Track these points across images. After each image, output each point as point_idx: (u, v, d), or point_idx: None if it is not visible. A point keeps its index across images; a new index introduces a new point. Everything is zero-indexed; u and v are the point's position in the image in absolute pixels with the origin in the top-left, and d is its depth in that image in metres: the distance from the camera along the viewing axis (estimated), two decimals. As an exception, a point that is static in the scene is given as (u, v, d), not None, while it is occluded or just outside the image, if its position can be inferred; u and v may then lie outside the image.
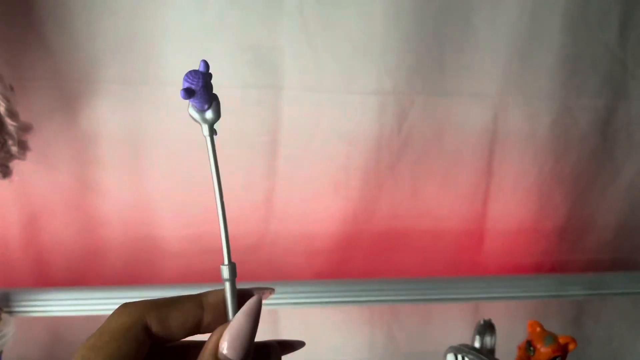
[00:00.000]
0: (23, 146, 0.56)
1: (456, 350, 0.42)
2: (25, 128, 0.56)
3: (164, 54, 0.66)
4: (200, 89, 0.26)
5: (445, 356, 0.44)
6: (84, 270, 0.72)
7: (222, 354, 0.24)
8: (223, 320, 0.26)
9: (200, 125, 0.28)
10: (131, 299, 0.25)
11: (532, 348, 0.47)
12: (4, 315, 0.56)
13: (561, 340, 0.47)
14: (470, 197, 0.76)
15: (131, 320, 0.24)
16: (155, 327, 0.25)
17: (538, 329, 0.48)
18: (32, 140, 0.61)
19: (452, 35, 0.69)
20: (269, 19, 0.67)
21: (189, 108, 0.28)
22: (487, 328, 0.45)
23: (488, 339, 0.44)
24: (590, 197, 0.78)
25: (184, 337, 0.26)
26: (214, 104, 0.27)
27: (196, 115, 0.28)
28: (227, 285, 0.27)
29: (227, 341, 0.24)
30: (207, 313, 0.26)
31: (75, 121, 0.67)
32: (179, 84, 0.68)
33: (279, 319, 0.77)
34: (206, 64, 0.27)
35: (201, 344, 0.26)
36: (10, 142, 0.54)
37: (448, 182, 0.75)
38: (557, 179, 0.76)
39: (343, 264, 0.77)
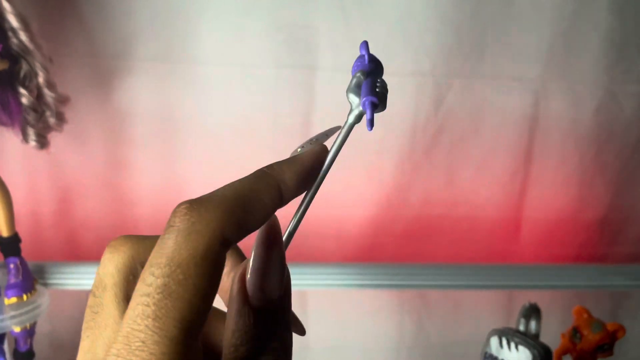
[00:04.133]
0: (60, 117, 0.56)
1: (500, 333, 0.40)
2: (62, 100, 0.56)
3: (199, 32, 0.66)
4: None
5: (488, 339, 0.43)
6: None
7: (253, 296, 0.19)
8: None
9: (353, 108, 0.21)
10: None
11: (578, 335, 0.45)
12: (38, 287, 0.56)
13: (609, 328, 0.45)
14: (508, 184, 0.74)
15: (207, 242, 0.17)
16: (234, 237, 0.18)
17: (585, 316, 0.46)
18: (66, 115, 0.61)
19: (493, 16, 0.67)
20: (304, -3, 0.65)
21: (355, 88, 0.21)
22: (532, 312, 0.43)
23: (533, 323, 0.43)
24: (633, 188, 0.75)
25: None
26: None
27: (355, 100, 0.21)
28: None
29: (252, 285, 0.19)
30: (287, 195, 0.20)
31: (109, 98, 0.67)
32: (214, 62, 0.68)
33: (307, 301, 0.76)
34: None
35: None
36: (48, 112, 0.54)
37: (485, 169, 0.73)
38: (599, 168, 0.73)
39: (374, 249, 0.76)
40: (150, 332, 0.16)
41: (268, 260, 0.19)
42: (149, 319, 0.17)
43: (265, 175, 0.20)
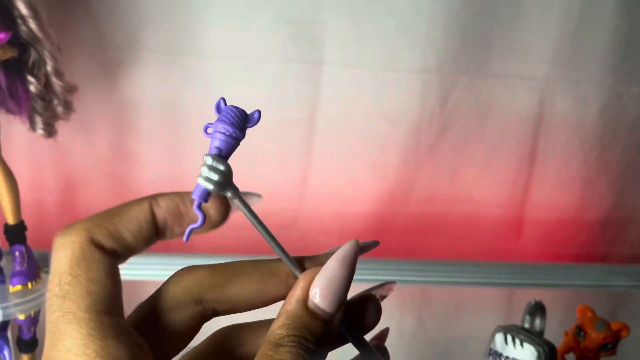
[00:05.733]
0: (68, 106, 0.56)
1: (505, 329, 0.41)
2: (70, 88, 0.56)
3: (206, 24, 0.66)
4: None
5: (493, 336, 0.43)
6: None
7: (314, 303, 0.22)
8: (180, 222, 0.24)
9: (226, 191, 0.24)
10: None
11: (582, 333, 0.45)
12: (43, 275, 0.56)
13: (613, 327, 0.46)
14: (511, 183, 0.74)
15: (78, 246, 0.21)
16: (108, 244, 0.22)
17: (589, 314, 0.47)
18: (73, 104, 0.60)
19: (501, 14, 0.67)
20: (311, -8, 0.65)
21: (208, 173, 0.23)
22: (537, 309, 0.43)
23: (538, 321, 0.43)
24: (635, 189, 0.75)
25: (146, 249, 0.24)
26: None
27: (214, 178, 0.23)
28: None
29: (319, 289, 0.22)
30: (160, 218, 0.23)
31: (115, 88, 0.67)
32: (220, 55, 0.68)
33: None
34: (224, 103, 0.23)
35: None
36: (55, 101, 0.54)
37: (489, 167, 0.73)
38: (603, 168, 0.74)
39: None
40: (66, 324, 0.20)
41: (337, 275, 0.22)
42: (62, 318, 0.20)
43: (142, 197, 0.24)
